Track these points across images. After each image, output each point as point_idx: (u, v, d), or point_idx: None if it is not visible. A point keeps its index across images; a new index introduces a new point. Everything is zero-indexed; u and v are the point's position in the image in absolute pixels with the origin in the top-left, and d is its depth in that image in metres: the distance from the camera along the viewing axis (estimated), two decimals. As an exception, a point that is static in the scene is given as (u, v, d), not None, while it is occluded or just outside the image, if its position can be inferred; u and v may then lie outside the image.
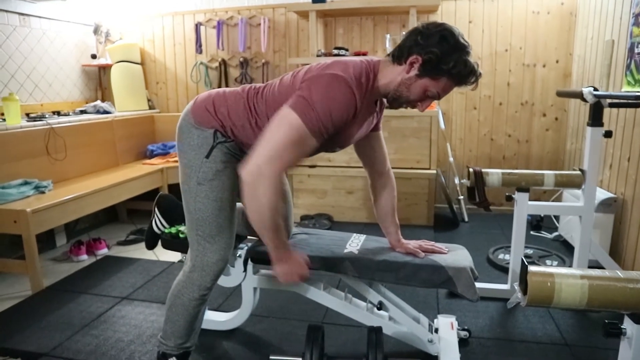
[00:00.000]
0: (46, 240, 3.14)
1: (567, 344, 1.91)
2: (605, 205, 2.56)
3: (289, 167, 1.30)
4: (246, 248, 1.87)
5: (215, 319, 2.04)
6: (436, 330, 1.83)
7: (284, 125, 1.27)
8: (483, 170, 2.21)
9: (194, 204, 1.46)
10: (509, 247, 2.88)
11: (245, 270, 1.86)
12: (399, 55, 1.35)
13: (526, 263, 1.04)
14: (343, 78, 1.28)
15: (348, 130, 1.41)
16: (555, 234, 3.15)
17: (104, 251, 3.07)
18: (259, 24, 3.91)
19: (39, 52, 3.56)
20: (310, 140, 1.28)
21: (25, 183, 2.73)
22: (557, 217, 3.27)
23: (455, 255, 1.73)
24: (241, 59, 4.01)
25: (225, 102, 1.46)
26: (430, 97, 1.35)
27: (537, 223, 3.34)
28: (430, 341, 1.78)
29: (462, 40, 1.30)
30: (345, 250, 1.76)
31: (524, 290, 1.03)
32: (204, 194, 1.45)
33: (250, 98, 1.45)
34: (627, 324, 1.03)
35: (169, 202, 1.97)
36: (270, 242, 1.38)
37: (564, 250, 2.91)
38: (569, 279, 1.00)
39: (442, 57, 1.28)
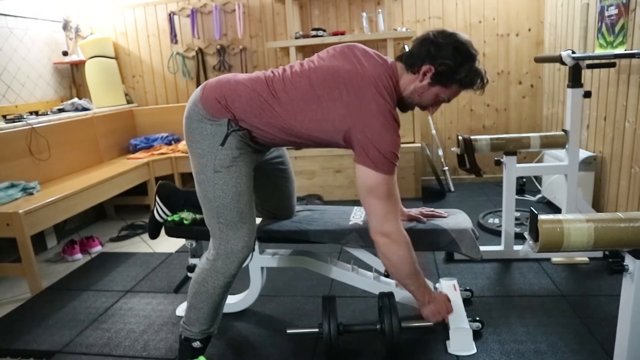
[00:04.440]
0: (37, 242, 3.09)
1: (563, 294, 2.02)
2: (586, 164, 2.68)
3: (398, 208, 1.49)
4: (251, 229, 1.89)
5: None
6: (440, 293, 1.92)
7: (374, 185, 1.40)
8: (472, 137, 2.28)
9: (213, 192, 1.45)
10: (497, 211, 3.01)
11: (253, 250, 1.89)
12: (412, 64, 1.42)
13: (536, 212, 1.10)
14: (389, 111, 1.37)
15: None
16: (539, 196, 3.28)
17: (97, 249, 3.04)
18: (234, 10, 3.88)
19: (8, 52, 3.44)
20: (394, 177, 1.43)
21: (12, 185, 2.67)
22: (539, 180, 3.40)
23: (455, 219, 1.81)
24: (218, 47, 3.98)
25: (238, 97, 1.42)
26: (440, 101, 1.45)
27: (520, 187, 3.47)
28: (437, 303, 1.85)
29: (472, 51, 1.38)
30: (350, 222, 1.81)
31: (535, 238, 1.10)
32: (222, 181, 1.43)
33: (268, 100, 1.42)
34: (629, 261, 1.11)
35: (170, 189, 1.97)
36: (414, 289, 1.53)
37: (549, 211, 3.04)
38: (576, 224, 1.08)
39: (454, 68, 1.36)
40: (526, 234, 1.14)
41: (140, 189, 3.58)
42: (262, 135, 1.47)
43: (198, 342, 1.58)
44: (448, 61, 1.34)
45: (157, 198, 1.95)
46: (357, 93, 1.36)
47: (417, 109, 1.54)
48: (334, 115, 1.38)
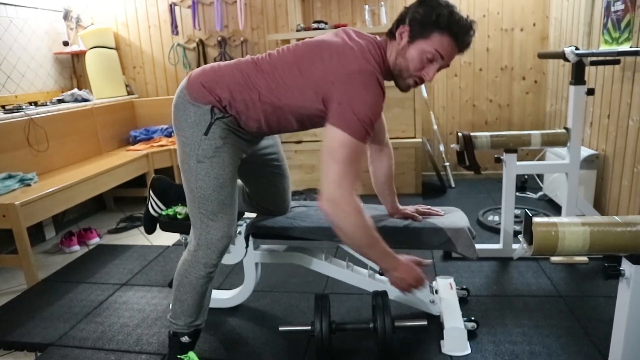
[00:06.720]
0: (35, 233, 3.09)
1: (561, 295, 2.00)
2: (588, 162, 2.64)
3: (356, 179, 1.32)
4: (245, 224, 1.88)
5: (219, 297, 2.06)
6: (436, 292, 1.90)
7: (336, 147, 1.29)
8: (472, 134, 2.25)
9: (195, 182, 1.44)
10: (497, 209, 2.98)
11: (247, 246, 1.88)
12: (392, 33, 1.40)
13: (530, 215, 1.08)
14: (371, 72, 1.31)
15: None
16: (540, 193, 3.25)
17: (95, 240, 3.04)
18: (235, 2, 3.83)
19: (7, 42, 3.42)
20: (363, 146, 1.32)
21: (10, 177, 2.66)
22: (541, 178, 3.36)
23: (452, 217, 1.78)
24: (219, 38, 3.94)
25: (221, 78, 1.42)
26: (430, 59, 1.34)
27: (521, 184, 3.43)
28: (432, 302, 1.83)
29: (442, 0, 1.33)
30: (345, 220, 1.78)
31: (529, 241, 1.08)
32: (204, 172, 1.43)
33: (251, 74, 1.41)
34: (625, 265, 1.08)
35: (164, 183, 1.96)
36: (374, 257, 1.44)
37: (550, 209, 3.00)
38: (571, 227, 1.05)
39: (424, 14, 1.32)
40: (520, 237, 1.11)
41: (140, 181, 3.57)
42: (247, 116, 1.44)
43: (186, 336, 1.57)
44: (417, 10, 1.33)
45: (151, 192, 1.94)
46: (340, 55, 1.33)
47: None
48: (314, 78, 1.35)
